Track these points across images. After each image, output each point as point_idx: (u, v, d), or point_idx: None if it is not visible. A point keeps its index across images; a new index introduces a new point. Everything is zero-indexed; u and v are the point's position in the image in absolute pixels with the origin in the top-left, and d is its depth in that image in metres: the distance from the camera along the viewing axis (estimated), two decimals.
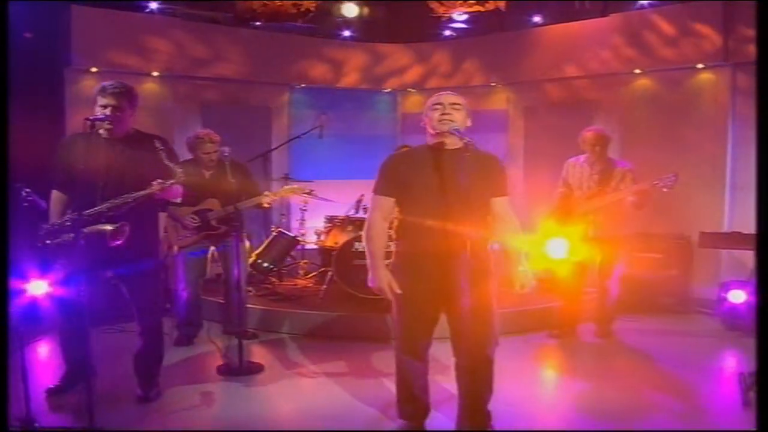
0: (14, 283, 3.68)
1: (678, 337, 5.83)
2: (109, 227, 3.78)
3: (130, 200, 3.87)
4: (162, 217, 5.48)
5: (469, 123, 3.49)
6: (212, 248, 5.58)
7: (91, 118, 3.74)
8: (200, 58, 7.57)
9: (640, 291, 6.56)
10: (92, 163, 3.92)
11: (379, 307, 5.31)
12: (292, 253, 7.15)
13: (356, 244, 5.93)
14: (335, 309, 5.94)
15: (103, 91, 3.99)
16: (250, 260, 6.26)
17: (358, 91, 8.78)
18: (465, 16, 7.96)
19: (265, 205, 5.59)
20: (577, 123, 7.16)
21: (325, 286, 6.22)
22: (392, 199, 3.49)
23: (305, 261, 7.07)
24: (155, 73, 7.31)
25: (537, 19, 7.95)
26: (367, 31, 8.60)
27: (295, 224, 7.43)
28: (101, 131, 3.98)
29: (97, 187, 3.89)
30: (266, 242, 6.53)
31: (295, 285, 6.65)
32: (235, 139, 7.22)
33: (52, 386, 4.31)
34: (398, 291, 3.45)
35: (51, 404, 4.15)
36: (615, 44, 7.18)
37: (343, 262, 5.99)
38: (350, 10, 8.15)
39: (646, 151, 7.01)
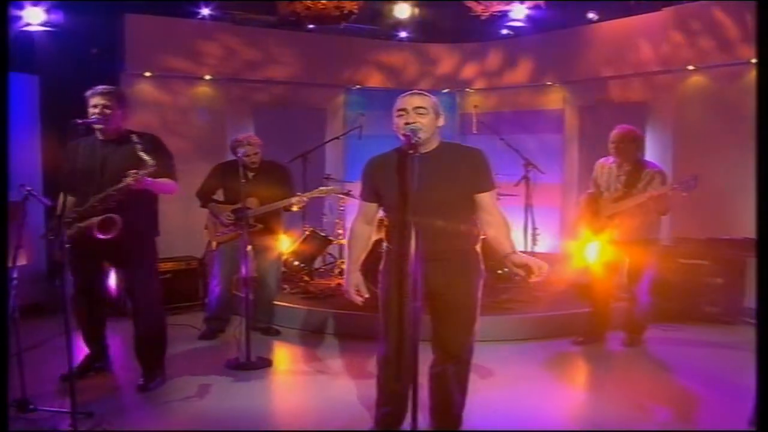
0: None
1: (715, 349, 5.47)
2: (95, 220, 4.06)
3: (112, 194, 4.09)
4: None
5: (440, 123, 3.37)
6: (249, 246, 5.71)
7: (80, 121, 3.97)
8: (253, 61, 7.77)
9: (682, 299, 6.22)
10: (90, 163, 4.26)
11: None
12: (332, 252, 7.26)
13: (384, 244, 5.90)
14: (360, 308, 5.91)
15: (93, 92, 4.27)
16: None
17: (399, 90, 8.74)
18: (525, 12, 7.79)
19: (294, 208, 5.68)
20: (630, 122, 6.88)
21: None
22: (374, 205, 3.48)
23: (342, 261, 7.13)
24: (207, 77, 7.57)
25: (592, 15, 7.68)
26: (423, 31, 8.59)
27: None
28: (97, 133, 4.31)
29: (94, 185, 4.20)
30: (299, 241, 6.66)
31: (329, 284, 6.73)
32: (289, 140, 7.47)
33: (66, 371, 4.59)
34: (366, 294, 3.48)
35: (56, 388, 4.41)
36: (668, 40, 6.83)
37: (370, 262, 5.95)
38: (402, 11, 8.17)
39: (699, 151, 6.66)
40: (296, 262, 6.47)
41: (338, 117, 8.54)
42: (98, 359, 4.74)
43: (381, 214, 3.55)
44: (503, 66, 8.51)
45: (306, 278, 6.63)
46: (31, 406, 3.89)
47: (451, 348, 3.44)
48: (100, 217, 4.07)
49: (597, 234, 5.39)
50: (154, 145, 4.34)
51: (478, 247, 3.43)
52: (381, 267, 3.51)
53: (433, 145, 3.35)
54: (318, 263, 7.16)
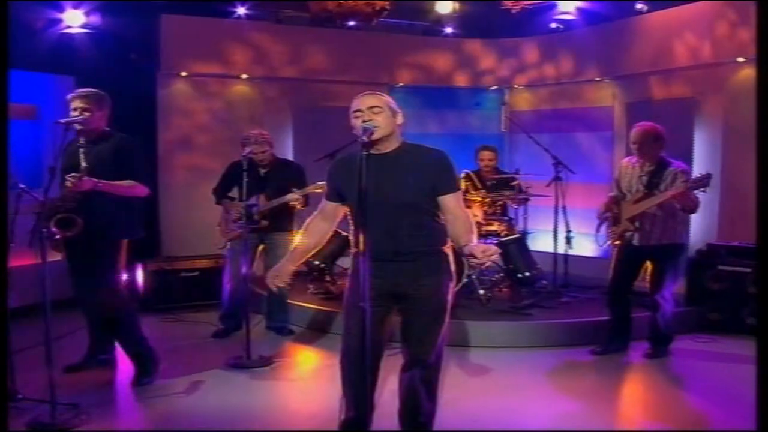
0: None
1: (749, 364, 5.13)
2: (54, 218, 4.20)
3: (67, 194, 4.25)
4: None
5: (399, 121, 3.35)
6: (261, 246, 5.85)
7: (62, 121, 4.13)
8: (291, 60, 7.88)
9: (722, 309, 5.89)
10: (70, 161, 4.42)
11: None
12: None
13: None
14: None
15: (73, 95, 4.48)
16: None
17: (461, 89, 8.74)
18: (575, 5, 7.57)
19: (297, 206, 5.73)
20: (678, 119, 6.60)
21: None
22: (334, 204, 3.50)
23: None
24: (244, 76, 7.72)
25: (640, 6, 7.38)
26: (466, 27, 8.51)
27: None
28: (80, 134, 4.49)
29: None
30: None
31: None
32: (328, 140, 7.50)
33: (71, 363, 4.80)
34: (282, 283, 3.47)
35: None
36: (717, 30, 6.49)
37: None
38: (444, 7, 8.09)
39: (750, 148, 6.22)
40: (316, 262, 6.49)
41: None
42: (100, 353, 4.91)
43: None
44: (551, 61, 8.32)
45: (328, 278, 6.66)
46: (19, 396, 4.11)
47: (417, 352, 3.41)
48: (57, 216, 4.19)
49: (618, 238, 5.21)
50: (119, 146, 4.49)
51: (447, 248, 3.39)
52: (350, 270, 3.52)
53: (394, 145, 3.35)
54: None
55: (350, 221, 3.45)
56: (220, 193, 5.96)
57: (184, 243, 7.26)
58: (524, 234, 6.58)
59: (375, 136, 3.22)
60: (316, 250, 3.60)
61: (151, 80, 7.34)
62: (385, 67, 8.32)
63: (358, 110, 3.31)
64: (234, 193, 5.96)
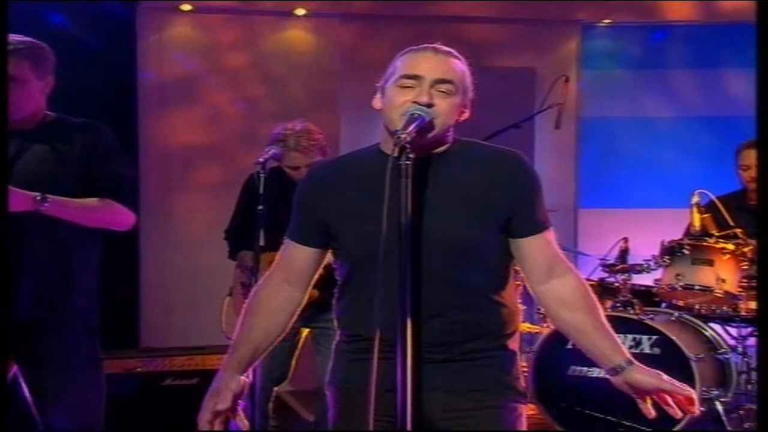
0: None
1: None
2: None
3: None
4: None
5: (465, 116, 3.27)
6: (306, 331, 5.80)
7: None
8: None
9: None
10: None
11: None
12: None
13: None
14: None
15: None
16: None
17: (724, 27, 8.56)
18: None
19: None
20: None
21: None
22: (308, 249, 3.45)
23: None
24: (301, 12, 8.02)
25: None
26: None
27: None
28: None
29: None
30: None
31: None
32: (469, 124, 7.18)
33: None
34: (243, 426, 3.39)
35: None
36: None
37: (546, 368, 6.15)
38: None
39: None
40: None
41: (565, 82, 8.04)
42: None
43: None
44: None
45: None
46: None
47: None
48: None
49: None
50: (93, 142, 4.40)
51: (514, 342, 3.32)
52: (329, 367, 3.50)
53: (441, 144, 3.27)
54: None
55: (340, 282, 3.45)
56: (236, 240, 5.94)
57: (181, 324, 7.61)
58: None
59: (434, 132, 3.14)
60: (278, 341, 3.47)
61: (126, 19, 7.67)
62: None
63: (416, 77, 3.18)
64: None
